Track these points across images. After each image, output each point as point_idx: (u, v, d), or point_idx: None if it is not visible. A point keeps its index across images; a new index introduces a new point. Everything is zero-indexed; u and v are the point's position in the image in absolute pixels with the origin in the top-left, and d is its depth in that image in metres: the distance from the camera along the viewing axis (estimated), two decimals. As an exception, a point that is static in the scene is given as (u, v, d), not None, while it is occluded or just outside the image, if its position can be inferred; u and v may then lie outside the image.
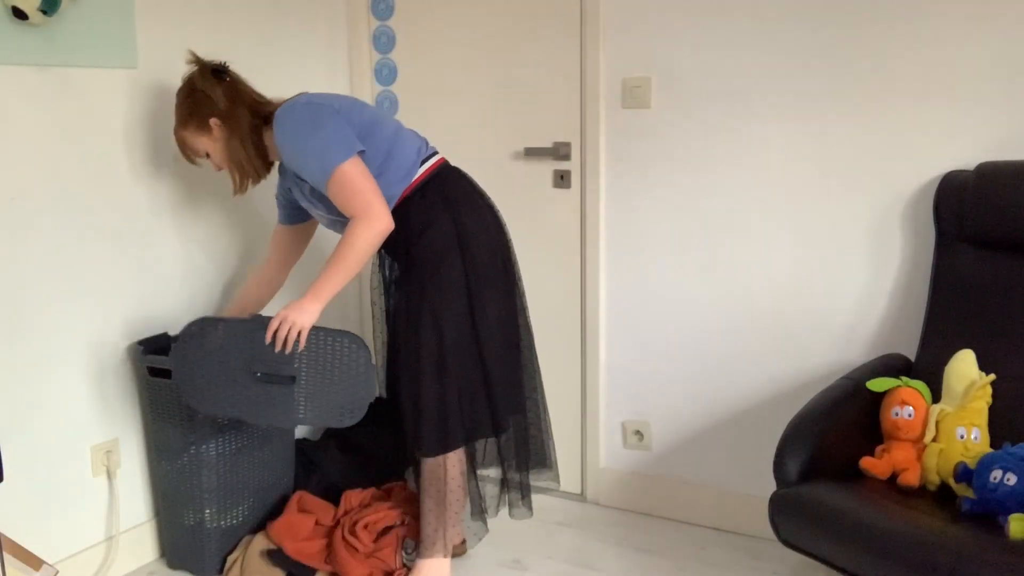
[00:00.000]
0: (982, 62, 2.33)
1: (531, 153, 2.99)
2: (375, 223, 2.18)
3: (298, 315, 2.20)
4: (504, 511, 2.61)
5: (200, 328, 2.27)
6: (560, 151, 2.94)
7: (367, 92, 3.27)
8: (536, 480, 2.59)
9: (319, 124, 2.21)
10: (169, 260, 2.71)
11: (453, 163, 2.47)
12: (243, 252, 2.95)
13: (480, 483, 2.52)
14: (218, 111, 2.30)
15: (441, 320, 2.28)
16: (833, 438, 2.13)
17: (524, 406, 2.52)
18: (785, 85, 2.58)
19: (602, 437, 3.03)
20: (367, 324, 3.34)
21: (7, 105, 2.27)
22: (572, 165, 2.94)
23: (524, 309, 2.52)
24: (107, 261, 2.54)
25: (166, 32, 2.63)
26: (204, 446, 2.51)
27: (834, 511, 1.93)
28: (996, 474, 1.90)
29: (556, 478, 2.63)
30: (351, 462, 2.90)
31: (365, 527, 2.57)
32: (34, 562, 2.20)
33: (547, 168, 2.99)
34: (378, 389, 2.42)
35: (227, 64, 2.39)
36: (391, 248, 2.39)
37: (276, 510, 2.70)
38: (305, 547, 2.55)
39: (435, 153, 2.40)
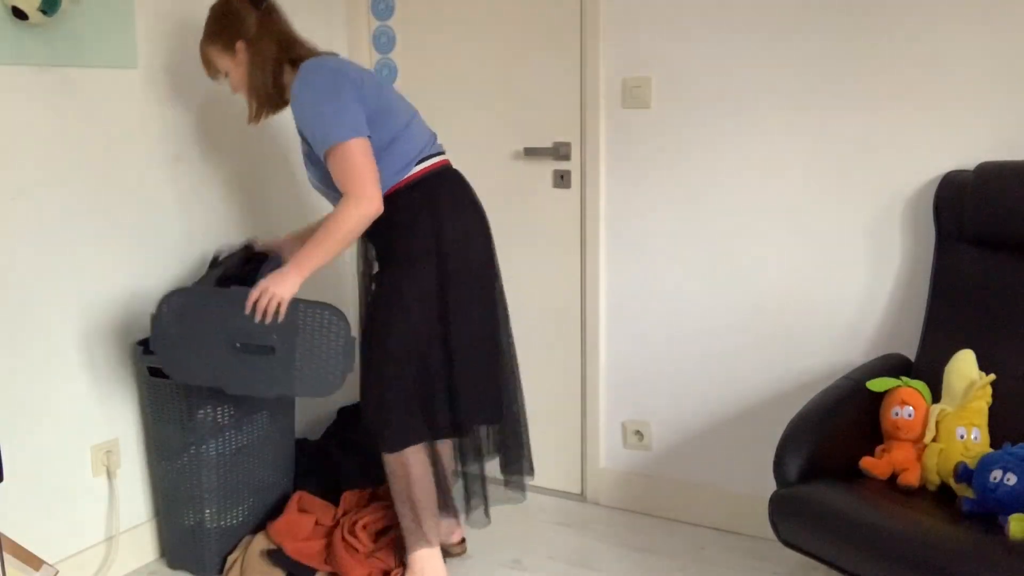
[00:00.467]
0: (982, 62, 2.33)
1: (531, 153, 2.99)
2: (365, 204, 2.18)
3: (278, 286, 2.20)
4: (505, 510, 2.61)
5: (180, 298, 2.27)
6: (560, 151, 2.94)
7: (367, 92, 3.27)
8: (510, 487, 2.60)
9: (338, 94, 2.20)
10: (170, 260, 2.71)
11: (455, 164, 2.47)
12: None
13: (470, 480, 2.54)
14: (246, 36, 2.29)
15: (409, 320, 2.29)
16: (833, 438, 2.13)
17: (500, 415, 2.50)
18: (785, 85, 2.58)
19: (602, 437, 3.03)
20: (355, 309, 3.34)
21: (7, 105, 2.27)
22: (572, 165, 2.94)
23: (505, 320, 2.52)
24: (107, 261, 2.54)
25: (166, 32, 2.63)
26: (204, 446, 2.51)
27: (834, 511, 1.93)
28: (996, 474, 1.90)
29: (522, 488, 2.62)
30: (351, 462, 2.90)
31: (364, 527, 2.58)
32: (34, 562, 2.20)
33: (547, 168, 2.99)
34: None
35: None
36: (373, 238, 2.40)
37: (276, 510, 2.69)
38: (305, 547, 2.56)
39: (439, 153, 2.40)
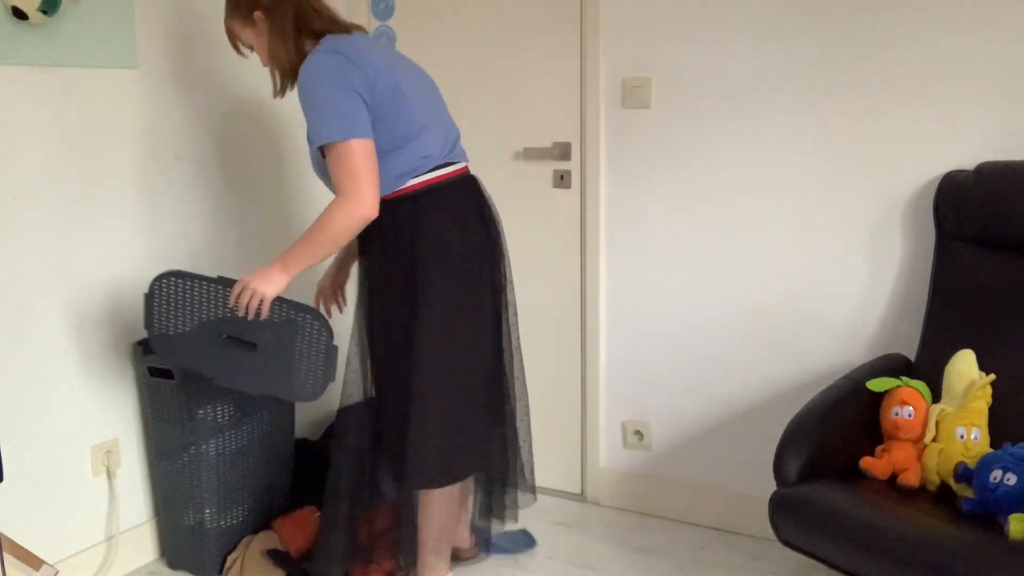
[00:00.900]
0: (982, 62, 2.33)
1: (531, 153, 2.99)
2: (357, 207, 2.07)
3: (261, 283, 2.12)
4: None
5: (174, 279, 2.22)
6: (560, 151, 2.94)
7: (367, 92, 3.27)
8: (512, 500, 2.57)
9: (345, 88, 2.07)
10: (170, 260, 2.71)
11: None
12: (246, 252, 2.95)
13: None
14: (262, 5, 2.20)
15: (437, 341, 2.20)
16: (833, 438, 2.13)
17: (503, 425, 2.45)
18: (785, 85, 2.58)
19: (602, 437, 3.03)
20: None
21: (7, 105, 2.27)
22: (572, 165, 2.94)
23: (514, 329, 2.43)
24: (107, 261, 2.54)
25: (166, 32, 2.63)
26: (204, 446, 2.51)
27: (834, 511, 1.93)
28: (996, 474, 1.90)
29: (518, 505, 2.58)
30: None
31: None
32: (34, 562, 2.20)
33: (547, 168, 2.99)
34: (368, 390, 2.38)
35: None
36: (366, 245, 2.28)
37: (276, 510, 2.69)
38: (309, 548, 2.56)
39: (454, 163, 2.25)
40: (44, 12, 2.24)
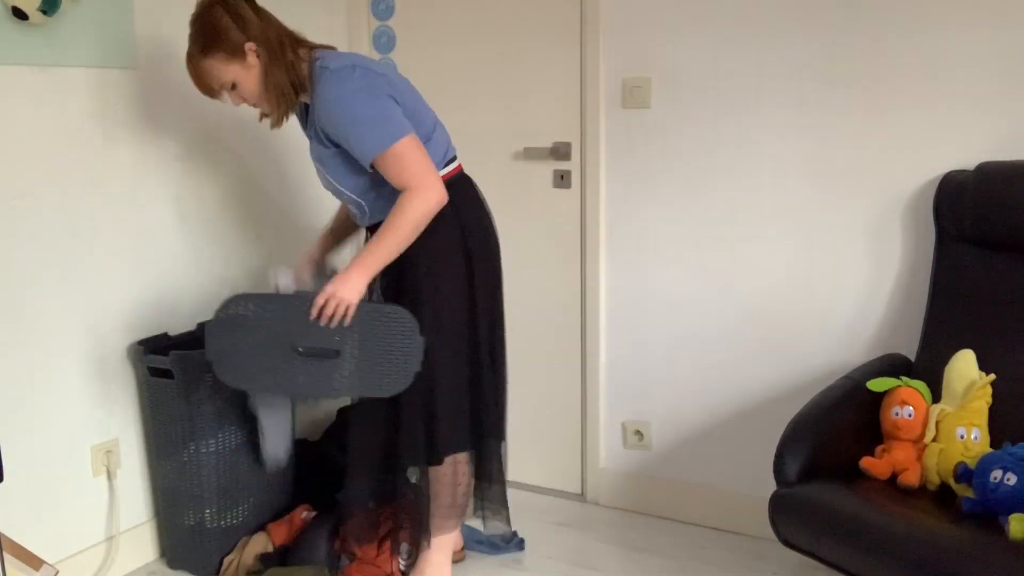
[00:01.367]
0: (982, 63, 2.33)
1: (531, 153, 2.99)
2: (431, 194, 2.11)
3: (345, 291, 2.14)
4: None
5: (237, 304, 2.22)
6: (560, 151, 2.94)
7: (367, 92, 3.27)
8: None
9: (378, 95, 2.11)
10: (170, 260, 2.71)
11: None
12: (246, 252, 2.95)
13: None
14: (253, 34, 2.12)
15: (445, 328, 2.26)
16: (833, 438, 2.13)
17: (503, 430, 2.49)
18: (785, 84, 2.58)
19: (602, 437, 3.03)
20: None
21: (7, 105, 2.27)
22: (572, 165, 2.94)
23: (503, 325, 2.49)
24: (107, 261, 2.54)
25: (166, 32, 2.63)
26: (204, 446, 2.51)
27: (834, 511, 1.94)
28: (996, 474, 1.90)
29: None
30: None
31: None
32: (34, 562, 2.20)
33: (547, 168, 2.99)
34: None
35: None
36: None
37: (276, 510, 2.69)
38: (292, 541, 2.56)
39: (455, 159, 2.35)
40: (44, 12, 2.24)
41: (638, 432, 2.96)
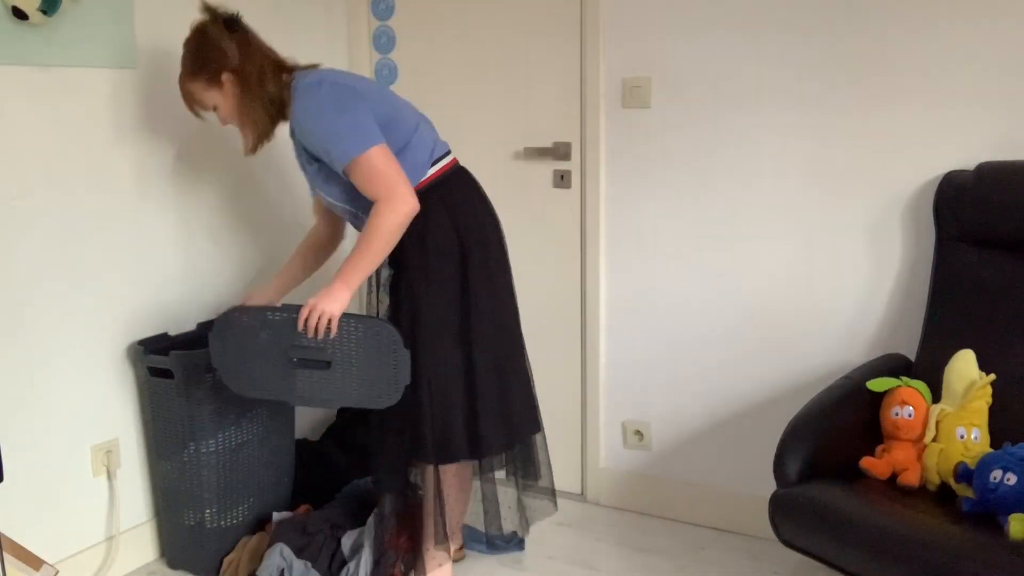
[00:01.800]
0: (982, 62, 2.33)
1: (531, 153, 2.99)
2: (399, 205, 2.14)
3: (327, 303, 2.17)
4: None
5: (238, 314, 2.28)
6: (560, 151, 2.94)
7: (367, 92, 3.27)
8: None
9: (344, 107, 2.16)
10: (170, 260, 2.71)
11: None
12: (246, 252, 2.95)
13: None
14: (231, 65, 2.22)
15: (440, 330, 2.27)
16: (833, 438, 2.13)
17: (538, 422, 2.50)
18: (785, 84, 2.58)
19: (602, 437, 3.03)
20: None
21: (7, 105, 2.27)
22: (572, 165, 2.94)
23: (517, 323, 2.49)
24: (107, 261, 2.54)
25: (166, 32, 2.63)
26: (204, 446, 2.51)
27: (834, 511, 1.94)
28: (996, 474, 1.90)
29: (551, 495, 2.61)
30: (351, 462, 2.90)
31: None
32: (34, 562, 2.20)
33: (547, 168, 2.99)
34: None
35: (240, 15, 2.30)
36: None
37: (276, 510, 2.69)
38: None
39: (447, 153, 2.36)
40: (44, 12, 2.24)
41: (638, 432, 2.96)
